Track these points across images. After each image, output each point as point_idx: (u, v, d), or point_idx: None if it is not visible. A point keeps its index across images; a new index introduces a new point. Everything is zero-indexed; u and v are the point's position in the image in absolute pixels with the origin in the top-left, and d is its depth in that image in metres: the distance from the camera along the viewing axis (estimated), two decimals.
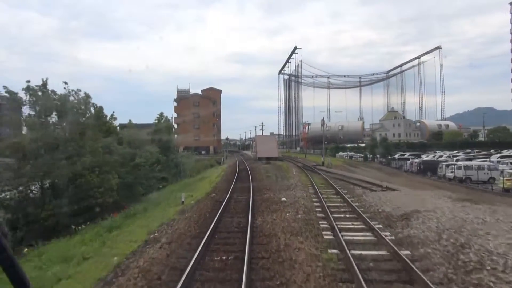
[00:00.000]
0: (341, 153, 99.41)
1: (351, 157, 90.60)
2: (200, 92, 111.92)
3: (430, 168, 43.60)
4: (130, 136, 33.34)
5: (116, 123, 36.97)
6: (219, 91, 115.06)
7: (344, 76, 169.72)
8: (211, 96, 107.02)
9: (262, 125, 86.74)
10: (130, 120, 36.55)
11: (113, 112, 36.35)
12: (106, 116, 36.09)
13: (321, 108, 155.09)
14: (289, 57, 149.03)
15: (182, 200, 20.71)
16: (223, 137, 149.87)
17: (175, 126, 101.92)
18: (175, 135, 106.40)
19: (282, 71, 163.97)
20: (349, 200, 18.71)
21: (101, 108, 36.06)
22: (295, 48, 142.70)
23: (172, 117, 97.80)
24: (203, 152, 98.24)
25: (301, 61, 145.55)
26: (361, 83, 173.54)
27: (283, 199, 19.21)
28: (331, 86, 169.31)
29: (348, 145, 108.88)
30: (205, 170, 46.56)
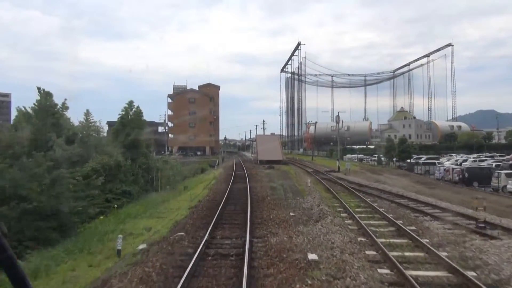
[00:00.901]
0: (349, 156, 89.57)
1: (361, 159, 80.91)
2: (197, 89, 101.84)
3: (477, 177, 33.74)
4: (83, 131, 23.53)
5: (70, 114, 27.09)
6: (218, 88, 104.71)
7: (349, 75, 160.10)
8: (209, 93, 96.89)
9: (263, 123, 76.58)
10: (87, 111, 26.50)
11: (65, 99, 26.57)
12: (56, 104, 26.40)
13: (323, 108, 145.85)
14: (292, 54, 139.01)
15: (118, 247, 10.86)
16: (222, 137, 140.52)
17: (170, 124, 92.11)
18: (170, 135, 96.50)
19: (284, 69, 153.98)
20: (452, 264, 8.79)
21: (48, 94, 26.33)
22: (299, 44, 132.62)
23: (165, 115, 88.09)
24: (199, 153, 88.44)
25: (304, 57, 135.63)
26: (366, 82, 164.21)
27: (312, 256, 9.29)
28: (335, 85, 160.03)
29: (356, 146, 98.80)
30: (193, 177, 36.60)
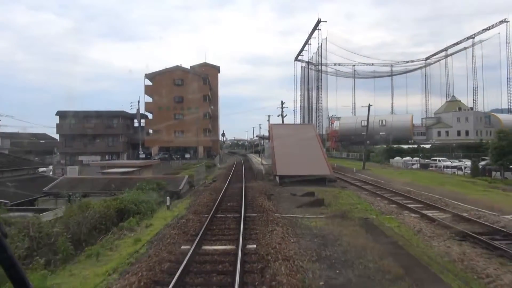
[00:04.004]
0: (397, 159, 60.29)
1: (425, 165, 51.45)
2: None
3: None
4: None
5: None
6: (217, 69, 75.80)
7: (372, 64, 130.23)
8: (205, 74, 68.18)
9: (282, 106, 47.22)
10: None
11: None
12: None
13: (341, 106, 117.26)
14: (310, 35, 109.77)
15: None
16: (228, 136, 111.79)
17: (148, 115, 63.84)
18: (150, 130, 68.55)
19: (299, 57, 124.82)
20: None
21: None
22: (319, 21, 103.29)
23: (139, 102, 59.37)
24: (187, 156, 59.82)
25: (326, 38, 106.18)
26: (393, 72, 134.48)
27: None
28: (357, 76, 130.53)
29: (405, 146, 69.56)
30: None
